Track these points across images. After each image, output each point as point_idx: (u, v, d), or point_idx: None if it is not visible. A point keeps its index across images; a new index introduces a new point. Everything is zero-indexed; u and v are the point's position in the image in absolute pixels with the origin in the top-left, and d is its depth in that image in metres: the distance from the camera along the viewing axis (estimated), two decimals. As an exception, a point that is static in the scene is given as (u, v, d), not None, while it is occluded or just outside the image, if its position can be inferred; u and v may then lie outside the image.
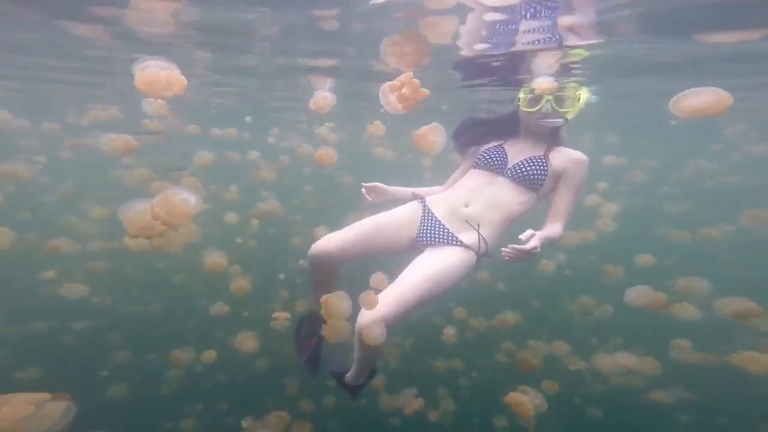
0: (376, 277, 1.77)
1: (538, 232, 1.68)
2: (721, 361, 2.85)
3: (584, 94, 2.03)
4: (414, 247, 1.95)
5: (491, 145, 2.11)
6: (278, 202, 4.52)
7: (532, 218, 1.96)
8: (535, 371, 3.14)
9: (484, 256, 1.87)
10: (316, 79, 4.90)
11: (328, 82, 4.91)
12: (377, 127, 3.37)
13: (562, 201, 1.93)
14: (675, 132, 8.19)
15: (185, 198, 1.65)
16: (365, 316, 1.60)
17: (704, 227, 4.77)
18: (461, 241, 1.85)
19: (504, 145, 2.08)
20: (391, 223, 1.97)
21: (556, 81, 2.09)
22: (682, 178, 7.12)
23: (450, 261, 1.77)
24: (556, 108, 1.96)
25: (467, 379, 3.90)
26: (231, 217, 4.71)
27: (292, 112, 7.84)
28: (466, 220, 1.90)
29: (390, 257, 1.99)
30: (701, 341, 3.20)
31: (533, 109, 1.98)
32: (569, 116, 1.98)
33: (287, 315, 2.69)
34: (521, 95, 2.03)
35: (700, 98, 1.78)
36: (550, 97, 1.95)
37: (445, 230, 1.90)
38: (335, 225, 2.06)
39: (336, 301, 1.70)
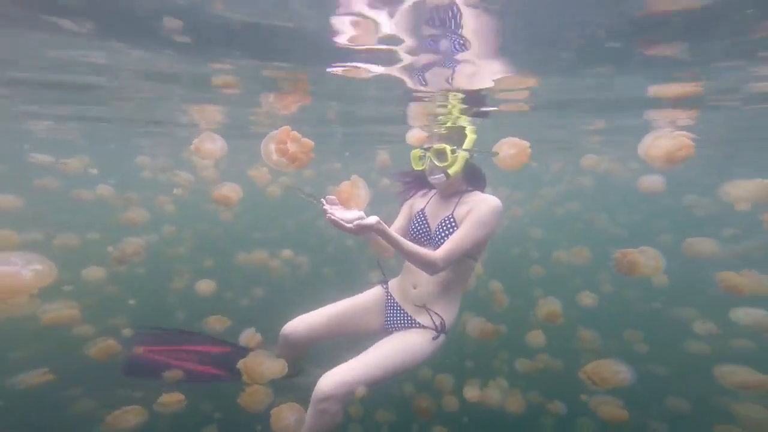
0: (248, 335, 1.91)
1: (370, 220, 1.58)
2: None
3: (469, 138, 1.96)
4: (384, 331, 2.06)
5: (418, 209, 2.10)
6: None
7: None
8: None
9: (443, 332, 1.93)
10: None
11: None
12: (260, 174, 3.51)
13: (457, 230, 1.82)
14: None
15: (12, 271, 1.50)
16: (321, 385, 1.66)
17: (557, 250, 5.54)
18: (420, 323, 1.95)
19: (426, 208, 2.06)
20: (359, 312, 2.08)
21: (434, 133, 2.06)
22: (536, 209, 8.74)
23: (410, 343, 1.87)
24: (437, 163, 1.89)
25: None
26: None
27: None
28: (416, 304, 1.97)
29: (361, 339, 2.07)
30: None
31: (423, 167, 1.96)
32: (451, 171, 1.88)
33: (180, 397, 2.46)
34: (412, 153, 1.99)
35: (508, 152, 2.13)
36: (430, 154, 1.90)
37: (406, 315, 2.01)
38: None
39: (257, 363, 1.77)
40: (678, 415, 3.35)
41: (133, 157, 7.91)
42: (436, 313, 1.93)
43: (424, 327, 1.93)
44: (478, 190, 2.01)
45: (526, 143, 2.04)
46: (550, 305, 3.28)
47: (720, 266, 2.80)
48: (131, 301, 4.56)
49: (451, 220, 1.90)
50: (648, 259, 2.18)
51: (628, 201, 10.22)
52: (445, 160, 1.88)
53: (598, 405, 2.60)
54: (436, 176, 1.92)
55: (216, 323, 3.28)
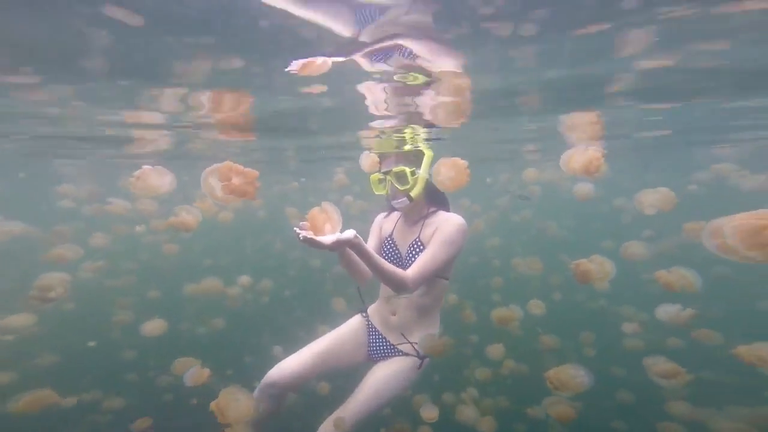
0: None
1: (352, 238, 1.55)
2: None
3: (427, 154, 1.93)
4: (368, 360, 2.07)
5: (386, 234, 2.08)
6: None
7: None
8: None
9: (424, 357, 1.97)
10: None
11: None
12: (206, 204, 3.35)
13: (425, 251, 1.81)
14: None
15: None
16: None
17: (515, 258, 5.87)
18: (401, 351, 1.98)
19: (393, 233, 2.05)
20: (342, 346, 2.04)
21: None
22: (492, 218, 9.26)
23: (394, 372, 1.91)
24: (398, 187, 1.87)
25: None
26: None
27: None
28: (397, 332, 1.99)
29: (345, 372, 2.08)
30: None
31: (384, 191, 1.95)
32: (413, 193, 1.87)
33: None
34: (371, 178, 1.99)
35: (447, 174, 2.10)
36: (390, 177, 1.89)
37: (387, 343, 2.03)
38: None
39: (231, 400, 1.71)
40: (625, 409, 3.63)
41: (51, 186, 7.17)
42: (415, 344, 1.95)
43: (407, 354, 1.95)
44: (442, 209, 2.00)
45: (463, 163, 1.98)
46: (503, 309, 3.45)
47: (650, 266, 3.14)
48: (91, 343, 4.28)
49: (419, 243, 1.90)
50: (598, 266, 2.38)
51: (570, 207, 11.15)
52: (406, 182, 1.87)
53: (550, 405, 2.72)
54: (399, 200, 1.90)
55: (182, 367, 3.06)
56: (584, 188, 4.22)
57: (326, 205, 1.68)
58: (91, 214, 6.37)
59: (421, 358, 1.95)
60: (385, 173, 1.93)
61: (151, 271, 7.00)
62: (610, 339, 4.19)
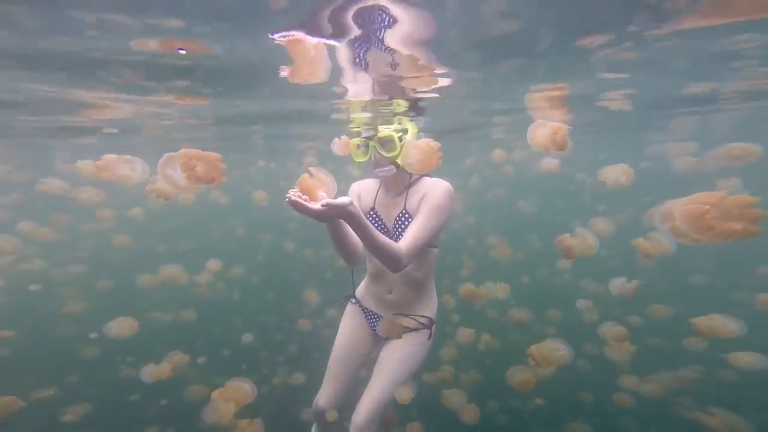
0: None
1: (347, 204, 1.38)
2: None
3: (411, 131, 1.86)
4: (378, 341, 2.07)
5: (367, 207, 1.97)
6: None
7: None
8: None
9: (431, 326, 1.98)
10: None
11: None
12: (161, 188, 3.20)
13: (411, 224, 1.72)
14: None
15: None
16: (357, 421, 1.82)
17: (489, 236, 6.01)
18: (407, 328, 1.95)
19: (375, 206, 1.94)
20: (352, 348, 2.05)
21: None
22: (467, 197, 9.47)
23: (408, 351, 1.92)
24: (383, 153, 1.79)
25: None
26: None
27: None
28: (396, 310, 1.97)
29: (367, 362, 2.11)
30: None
31: (365, 158, 1.84)
32: (400, 161, 1.80)
33: None
34: (351, 144, 1.88)
35: (416, 154, 1.86)
36: (374, 143, 1.79)
37: None
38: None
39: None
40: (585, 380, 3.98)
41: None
42: (422, 315, 1.96)
43: (413, 330, 1.95)
44: (424, 175, 1.90)
45: (435, 144, 1.83)
46: (469, 285, 3.58)
47: (610, 241, 3.38)
48: (92, 335, 4.12)
49: (405, 215, 1.82)
50: (581, 240, 2.44)
51: (541, 184, 11.59)
52: (394, 149, 1.77)
53: (512, 375, 2.89)
54: (384, 169, 1.78)
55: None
56: (550, 163, 4.39)
57: (317, 170, 1.54)
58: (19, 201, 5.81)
59: (430, 327, 1.97)
60: (369, 138, 1.81)
61: (101, 261, 6.57)
62: (573, 314, 4.52)
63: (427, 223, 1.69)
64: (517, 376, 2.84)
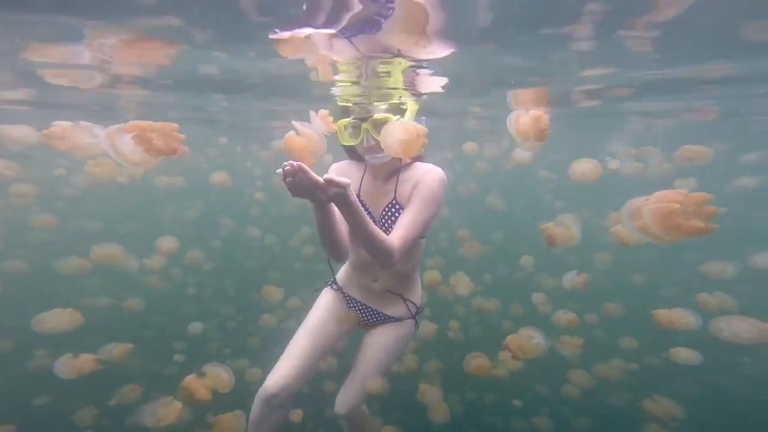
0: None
1: (347, 185, 1.30)
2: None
3: (411, 109, 1.75)
4: (354, 329, 2.06)
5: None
6: None
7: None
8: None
9: (417, 314, 2.01)
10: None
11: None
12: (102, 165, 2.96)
13: (403, 215, 1.63)
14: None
15: None
16: (338, 409, 1.92)
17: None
18: (392, 317, 1.96)
19: (361, 193, 1.80)
20: (324, 329, 1.96)
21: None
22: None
23: (392, 340, 1.95)
24: (377, 138, 1.64)
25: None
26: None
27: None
28: (383, 298, 1.95)
29: (341, 348, 2.15)
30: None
31: (356, 142, 1.69)
32: None
33: None
34: (338, 125, 1.72)
35: (398, 134, 1.71)
36: (367, 125, 1.64)
37: (374, 312, 1.98)
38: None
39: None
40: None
41: None
42: (411, 301, 1.97)
43: (397, 319, 1.97)
44: (417, 160, 1.79)
45: (422, 128, 1.70)
46: (433, 273, 3.66)
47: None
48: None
49: (396, 206, 1.72)
50: (564, 229, 2.45)
51: (516, 180, 11.88)
52: None
53: (469, 361, 2.95)
54: (377, 155, 1.64)
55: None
56: (523, 155, 4.52)
57: (303, 127, 1.39)
58: None
59: (415, 317, 2.00)
60: (361, 120, 1.66)
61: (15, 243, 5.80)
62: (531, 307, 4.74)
63: (420, 216, 1.61)
64: (473, 362, 2.92)
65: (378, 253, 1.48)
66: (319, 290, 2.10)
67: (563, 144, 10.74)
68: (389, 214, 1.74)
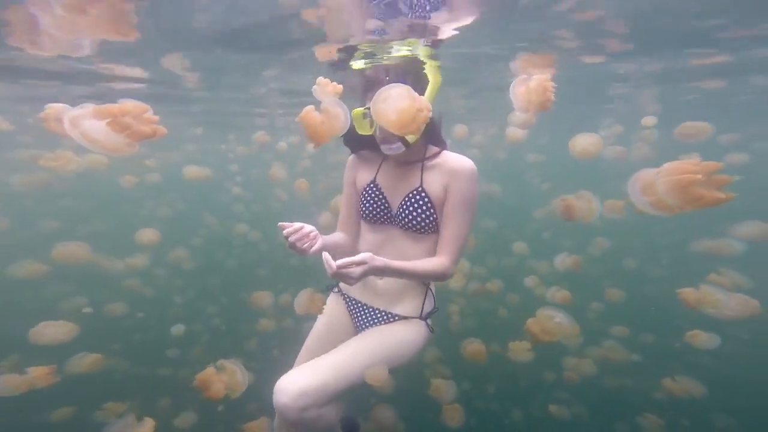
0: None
1: (376, 262, 1.36)
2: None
3: (433, 82, 1.64)
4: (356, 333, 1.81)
5: (368, 178, 1.74)
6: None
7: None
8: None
9: (430, 316, 1.75)
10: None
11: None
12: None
13: (445, 227, 1.59)
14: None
15: None
16: (281, 391, 1.37)
17: None
18: (398, 315, 1.71)
19: (377, 178, 1.71)
20: (332, 335, 1.79)
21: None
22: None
23: (392, 333, 1.65)
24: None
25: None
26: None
27: None
28: (390, 296, 1.73)
29: None
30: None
31: (370, 131, 1.59)
32: (411, 138, 1.53)
33: None
34: (353, 113, 1.61)
35: (402, 101, 1.46)
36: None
37: (377, 311, 1.74)
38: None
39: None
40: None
41: None
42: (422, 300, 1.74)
43: (404, 318, 1.71)
44: (442, 147, 1.68)
45: (425, 103, 1.47)
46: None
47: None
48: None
49: (422, 192, 1.60)
50: (585, 203, 2.33)
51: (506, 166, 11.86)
52: None
53: (465, 347, 2.93)
54: (392, 146, 1.54)
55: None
56: (516, 132, 4.48)
57: (325, 99, 1.35)
58: None
59: (426, 318, 1.73)
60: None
61: None
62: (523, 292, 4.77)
63: (463, 227, 1.59)
64: (469, 348, 2.90)
65: (432, 279, 1.56)
66: (326, 295, 1.93)
67: (549, 125, 10.76)
68: (412, 200, 1.62)
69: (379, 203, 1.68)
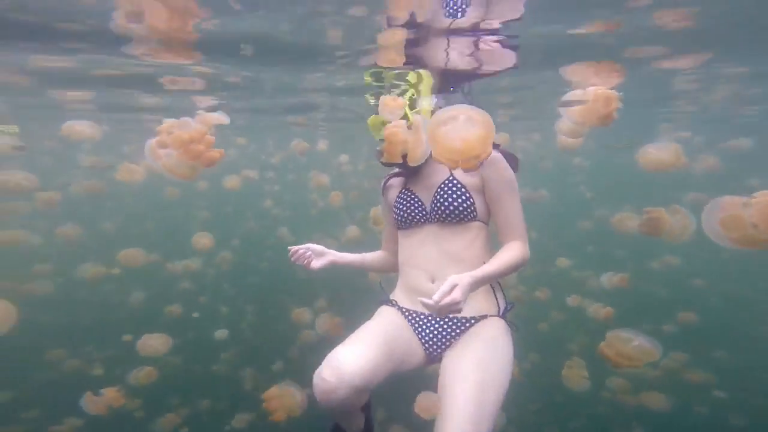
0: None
1: (464, 279, 1.30)
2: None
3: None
4: (429, 358, 1.63)
5: (398, 191, 1.76)
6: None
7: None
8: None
9: (507, 310, 1.63)
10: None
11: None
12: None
13: (501, 215, 1.60)
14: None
15: None
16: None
17: None
18: (473, 319, 1.57)
19: (407, 184, 1.73)
20: (394, 340, 1.54)
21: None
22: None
23: (481, 346, 1.49)
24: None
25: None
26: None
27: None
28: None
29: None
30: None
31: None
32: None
33: None
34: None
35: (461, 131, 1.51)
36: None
37: (445, 320, 1.58)
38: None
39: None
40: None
41: None
42: (494, 296, 1.62)
43: (481, 317, 1.56)
44: None
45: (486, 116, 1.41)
46: None
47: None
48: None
49: (453, 180, 1.59)
50: (678, 218, 2.11)
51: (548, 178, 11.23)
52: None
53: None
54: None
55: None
56: (567, 141, 4.28)
57: (391, 115, 1.45)
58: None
59: (504, 314, 1.60)
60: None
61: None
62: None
63: (516, 201, 1.61)
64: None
65: (516, 267, 1.54)
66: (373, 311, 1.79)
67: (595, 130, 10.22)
68: (445, 189, 1.61)
69: (413, 204, 1.68)
